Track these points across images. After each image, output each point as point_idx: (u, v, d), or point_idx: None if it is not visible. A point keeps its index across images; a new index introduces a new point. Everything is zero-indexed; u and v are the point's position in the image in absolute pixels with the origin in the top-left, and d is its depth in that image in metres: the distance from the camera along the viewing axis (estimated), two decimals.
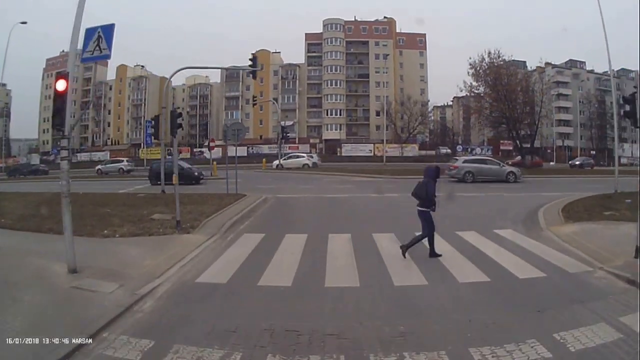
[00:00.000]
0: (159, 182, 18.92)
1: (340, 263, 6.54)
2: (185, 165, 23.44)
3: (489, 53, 33.79)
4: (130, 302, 4.92)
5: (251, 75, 19.47)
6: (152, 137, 25.39)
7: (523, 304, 5.02)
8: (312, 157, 39.34)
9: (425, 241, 6.92)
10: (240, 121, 66.75)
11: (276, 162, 36.45)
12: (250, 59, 18.23)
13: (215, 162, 25.36)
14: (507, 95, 32.47)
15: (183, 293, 5.47)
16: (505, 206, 13.40)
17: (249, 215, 11.24)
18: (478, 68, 33.91)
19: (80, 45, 6.50)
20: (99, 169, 40.68)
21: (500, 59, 33.68)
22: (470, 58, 37.15)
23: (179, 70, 17.93)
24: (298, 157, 37.82)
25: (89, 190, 18.67)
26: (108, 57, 6.59)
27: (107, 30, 6.40)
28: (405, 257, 6.75)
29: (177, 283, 5.85)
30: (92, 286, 5.41)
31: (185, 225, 9.45)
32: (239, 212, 11.19)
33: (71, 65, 6.47)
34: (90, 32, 6.41)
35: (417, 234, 6.99)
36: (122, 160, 40.81)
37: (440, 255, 6.87)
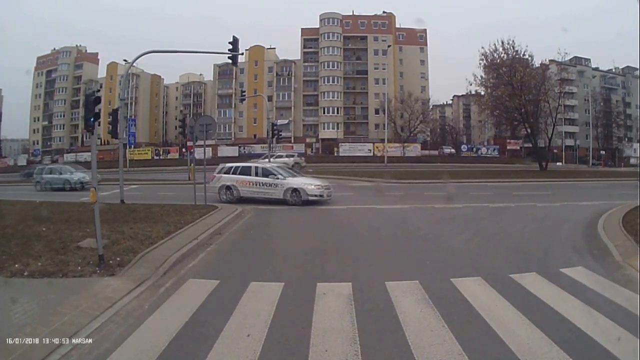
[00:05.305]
0: None
1: None
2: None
3: (502, 43, 30.91)
4: None
5: (232, 61, 16.45)
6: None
7: None
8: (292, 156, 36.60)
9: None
10: (232, 118, 64.92)
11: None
12: (230, 42, 15.38)
13: (193, 164, 22.05)
14: (523, 89, 29.59)
15: None
16: (548, 222, 10.57)
17: (209, 241, 8.21)
18: (490, 59, 31.00)
19: None
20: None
21: (514, 50, 30.77)
22: (482, 48, 34.62)
23: (142, 55, 15.04)
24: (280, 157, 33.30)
25: (55, 198, 16.54)
26: None
27: None
28: None
29: None
30: None
31: (114, 260, 6.61)
32: (198, 235, 8.19)
33: None
34: None
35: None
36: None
37: None
